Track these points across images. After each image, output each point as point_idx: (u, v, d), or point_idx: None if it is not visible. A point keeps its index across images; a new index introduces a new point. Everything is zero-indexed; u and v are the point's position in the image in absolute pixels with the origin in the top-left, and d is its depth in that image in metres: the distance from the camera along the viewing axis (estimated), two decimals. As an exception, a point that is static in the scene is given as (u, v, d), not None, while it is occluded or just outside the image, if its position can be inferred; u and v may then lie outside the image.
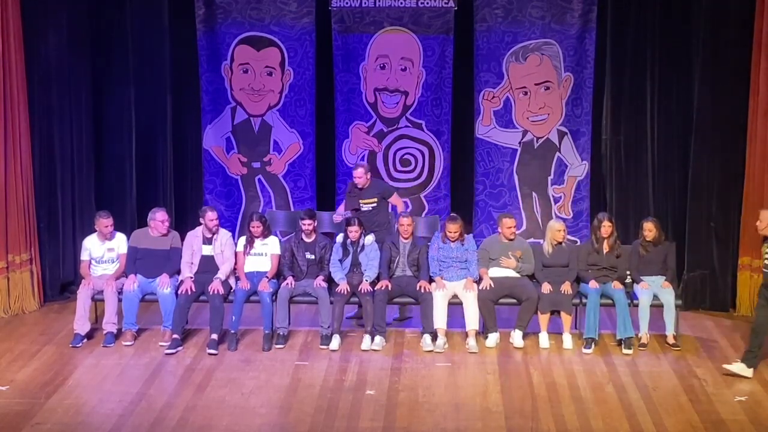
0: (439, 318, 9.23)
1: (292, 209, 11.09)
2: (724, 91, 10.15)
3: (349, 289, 9.36)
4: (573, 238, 10.59)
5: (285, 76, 11.04)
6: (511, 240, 9.54)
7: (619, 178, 10.89)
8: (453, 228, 9.44)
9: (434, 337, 9.19)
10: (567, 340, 9.24)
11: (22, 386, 8.16)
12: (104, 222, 9.46)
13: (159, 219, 9.48)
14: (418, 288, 9.38)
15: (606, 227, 9.44)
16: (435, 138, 11.10)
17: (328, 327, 9.20)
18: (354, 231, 9.50)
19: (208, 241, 9.49)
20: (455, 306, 9.39)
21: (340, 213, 10.05)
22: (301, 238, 9.56)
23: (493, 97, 10.94)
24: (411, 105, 11.06)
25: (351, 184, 10.08)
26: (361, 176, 9.90)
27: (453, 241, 9.46)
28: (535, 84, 10.90)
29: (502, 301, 9.44)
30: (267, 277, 9.38)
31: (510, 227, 9.49)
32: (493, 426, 7.45)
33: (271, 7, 10.89)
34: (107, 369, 8.60)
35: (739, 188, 10.17)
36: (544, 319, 9.29)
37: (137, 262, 9.47)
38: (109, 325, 9.23)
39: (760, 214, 8.47)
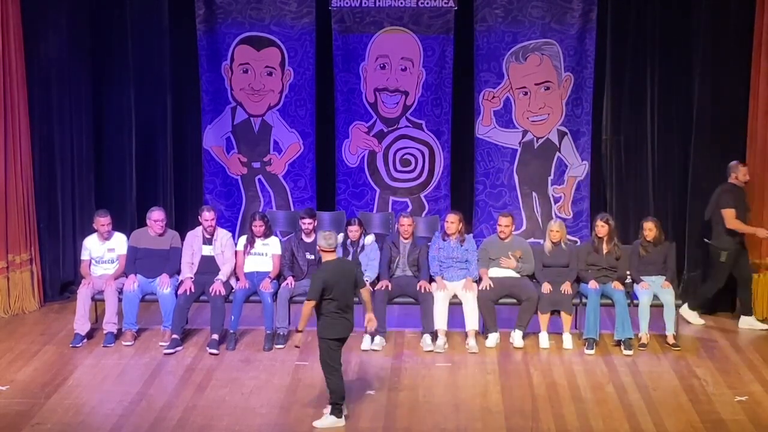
0: (440, 318, 9.23)
1: (292, 209, 11.08)
2: (724, 91, 10.15)
3: (349, 289, 9.35)
4: (573, 238, 10.58)
5: (285, 76, 11.04)
6: (504, 239, 9.54)
7: (619, 178, 10.88)
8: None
9: (434, 337, 9.19)
10: (567, 340, 9.24)
11: (22, 386, 8.16)
12: (102, 221, 9.45)
13: (154, 218, 9.46)
14: (418, 288, 9.37)
15: (599, 227, 9.43)
16: (435, 138, 11.09)
17: (328, 327, 9.18)
18: (354, 231, 9.49)
19: (208, 241, 9.47)
20: (455, 306, 9.39)
21: None
22: (301, 238, 9.55)
23: (493, 97, 10.93)
24: (411, 105, 11.05)
25: None
26: None
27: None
28: (535, 84, 10.89)
29: (502, 301, 9.43)
30: (269, 278, 9.38)
31: (501, 225, 9.49)
32: (493, 426, 7.44)
33: (271, 7, 10.89)
34: (107, 369, 8.60)
35: (739, 188, 10.17)
36: (544, 319, 9.29)
37: (137, 262, 9.46)
38: (109, 325, 9.22)
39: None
